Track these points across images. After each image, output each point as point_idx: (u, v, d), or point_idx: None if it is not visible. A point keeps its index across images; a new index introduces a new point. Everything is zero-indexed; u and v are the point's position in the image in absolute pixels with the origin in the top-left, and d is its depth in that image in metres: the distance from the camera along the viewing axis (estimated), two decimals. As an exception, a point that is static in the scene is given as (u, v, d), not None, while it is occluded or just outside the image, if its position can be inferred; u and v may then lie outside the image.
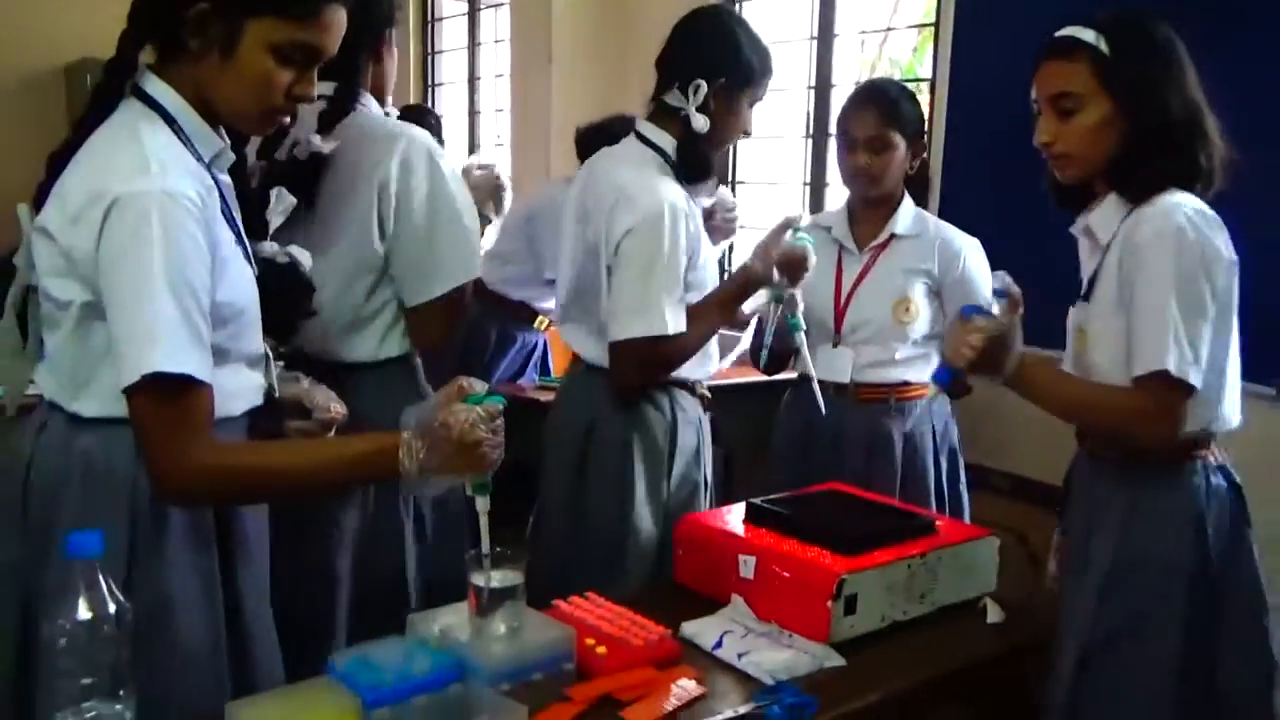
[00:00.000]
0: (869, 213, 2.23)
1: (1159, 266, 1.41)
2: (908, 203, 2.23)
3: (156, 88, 1.28)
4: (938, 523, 1.66)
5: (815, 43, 3.50)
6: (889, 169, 2.16)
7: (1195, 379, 1.40)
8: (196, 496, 1.27)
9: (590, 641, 1.36)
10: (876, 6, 3.56)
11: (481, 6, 4.94)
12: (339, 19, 1.31)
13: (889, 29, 3.59)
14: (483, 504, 1.32)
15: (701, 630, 1.48)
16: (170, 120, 1.27)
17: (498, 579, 1.31)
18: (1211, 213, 1.45)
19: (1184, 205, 1.44)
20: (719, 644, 1.45)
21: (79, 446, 1.28)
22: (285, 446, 1.39)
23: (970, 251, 2.21)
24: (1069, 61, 1.49)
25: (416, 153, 1.69)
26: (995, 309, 1.50)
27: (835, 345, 2.21)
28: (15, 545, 1.30)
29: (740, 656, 1.41)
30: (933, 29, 3.09)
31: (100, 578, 1.08)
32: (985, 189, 2.78)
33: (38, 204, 1.29)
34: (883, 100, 2.17)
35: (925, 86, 3.09)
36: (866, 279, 2.20)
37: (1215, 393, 1.47)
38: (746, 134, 2.03)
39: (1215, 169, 1.48)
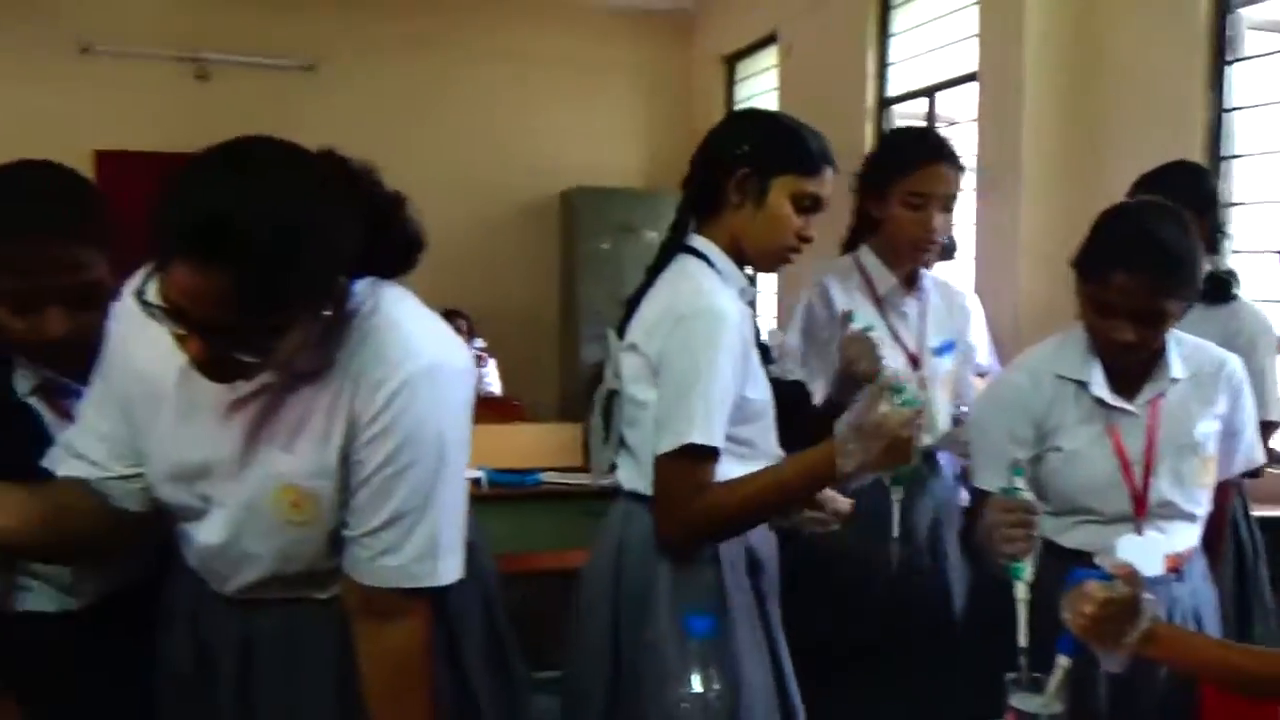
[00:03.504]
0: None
1: None
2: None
3: (699, 242, 1.68)
4: None
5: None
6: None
7: None
8: (699, 536, 1.59)
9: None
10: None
11: (939, 125, 5.09)
12: (831, 177, 1.65)
13: None
14: (897, 493, 1.55)
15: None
16: (710, 264, 1.65)
17: (1041, 705, 1.36)
18: None
19: None
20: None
21: None
22: (745, 480, 1.59)
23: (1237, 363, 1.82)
24: None
25: None
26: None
27: (1140, 531, 1.74)
28: (607, 613, 1.62)
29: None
30: None
31: (709, 658, 1.30)
32: None
33: (620, 332, 1.69)
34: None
35: None
36: (1159, 441, 1.75)
37: None
38: None
39: None
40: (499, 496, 3.18)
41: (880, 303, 2.21)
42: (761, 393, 1.65)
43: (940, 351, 2.25)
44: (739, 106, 6.97)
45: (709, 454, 1.55)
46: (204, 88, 6.43)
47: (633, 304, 1.70)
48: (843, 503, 1.75)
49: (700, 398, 1.53)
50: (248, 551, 1.26)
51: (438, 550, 1.25)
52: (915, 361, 2.21)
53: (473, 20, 6.89)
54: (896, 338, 2.20)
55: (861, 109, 5.39)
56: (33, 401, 1.41)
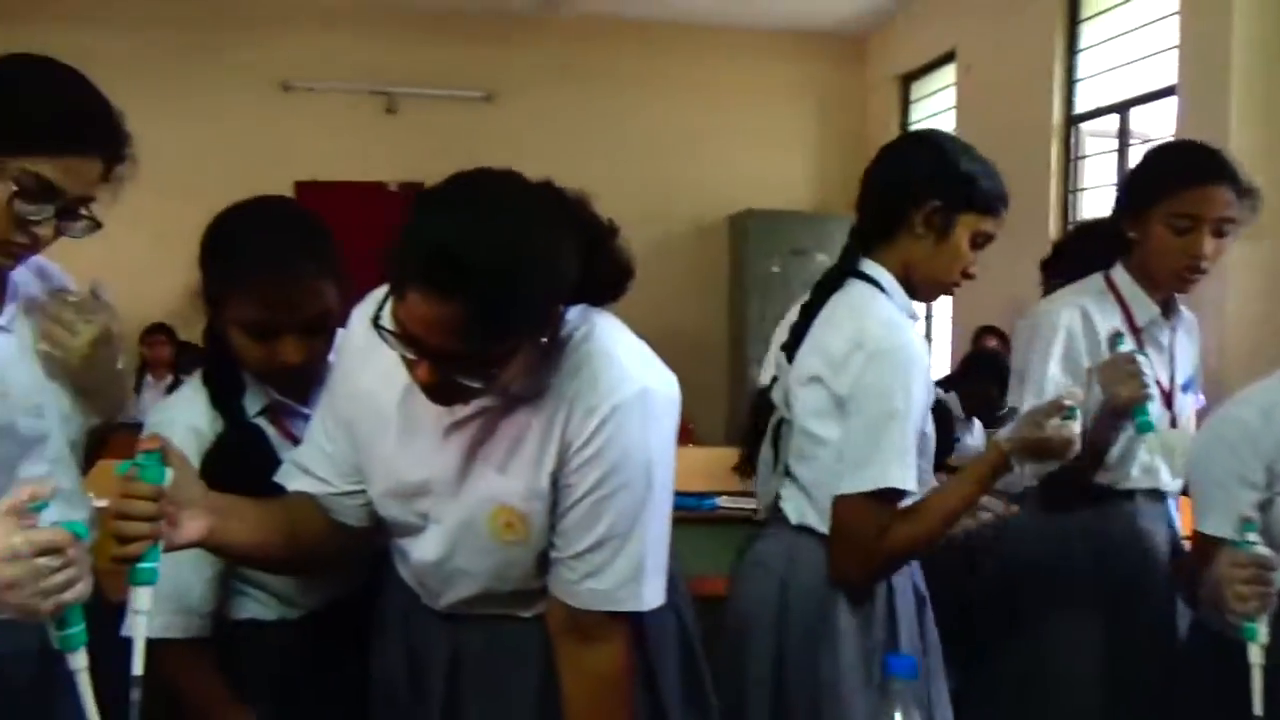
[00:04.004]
0: None
1: None
2: None
3: (870, 266, 1.66)
4: None
5: None
6: None
7: None
8: (879, 575, 1.61)
9: None
10: None
11: (1133, 142, 4.85)
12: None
13: None
14: None
15: None
16: (881, 289, 1.64)
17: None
18: None
19: None
20: None
21: None
22: (919, 514, 1.59)
23: None
24: None
25: None
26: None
27: None
28: (771, 647, 1.62)
29: None
30: None
31: (909, 699, 1.26)
32: None
33: (789, 355, 1.67)
34: None
35: None
36: None
37: None
38: None
39: None
40: (676, 519, 3.18)
41: (1138, 333, 1.96)
42: (931, 427, 1.66)
43: (1186, 388, 2.03)
44: (914, 127, 6.85)
45: (901, 495, 1.55)
46: (392, 120, 6.77)
47: (801, 327, 1.68)
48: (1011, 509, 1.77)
49: (898, 437, 1.53)
50: (462, 568, 1.30)
51: (642, 575, 1.26)
52: (1169, 400, 1.97)
53: (644, 48, 7.02)
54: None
55: (1047, 127, 5.20)
56: (260, 422, 1.50)
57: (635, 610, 1.27)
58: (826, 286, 1.68)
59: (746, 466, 1.76)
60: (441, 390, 1.16)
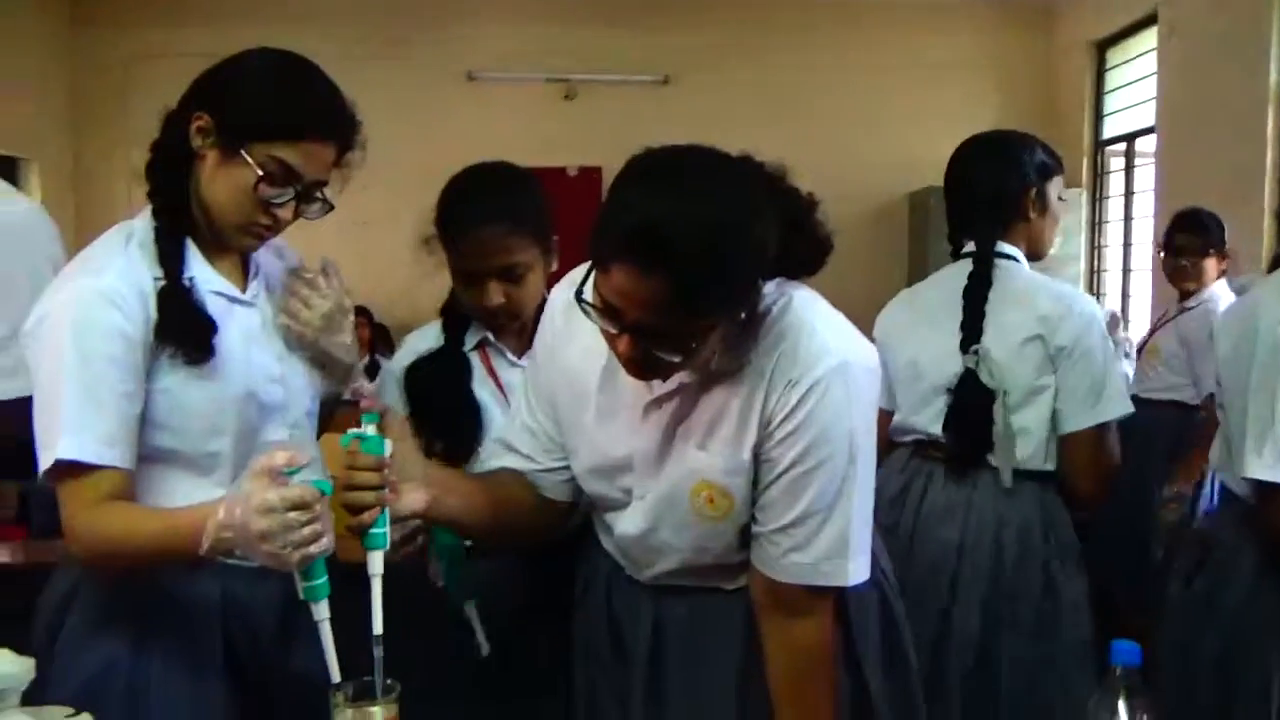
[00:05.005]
0: None
1: None
2: None
3: (1008, 249, 2.00)
4: None
5: None
6: None
7: None
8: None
9: None
10: None
11: (1362, 104, 4.45)
12: None
13: None
14: None
15: None
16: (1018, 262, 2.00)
17: None
18: None
19: None
20: None
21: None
22: None
23: None
24: None
25: None
26: None
27: None
28: (988, 575, 1.92)
29: None
30: None
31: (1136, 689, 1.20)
32: None
33: (975, 337, 1.95)
34: None
35: None
36: None
37: None
38: None
39: None
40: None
41: None
42: None
43: None
44: (1110, 96, 6.50)
45: None
46: (570, 106, 6.91)
47: (976, 308, 1.93)
48: None
49: (1120, 372, 1.91)
50: (664, 542, 1.33)
51: (847, 550, 1.26)
52: None
53: (820, 25, 6.90)
54: None
55: (1263, 91, 4.82)
56: (472, 356, 1.76)
57: (839, 585, 1.27)
58: (984, 273, 1.95)
59: (975, 454, 1.93)
60: (641, 364, 1.18)
